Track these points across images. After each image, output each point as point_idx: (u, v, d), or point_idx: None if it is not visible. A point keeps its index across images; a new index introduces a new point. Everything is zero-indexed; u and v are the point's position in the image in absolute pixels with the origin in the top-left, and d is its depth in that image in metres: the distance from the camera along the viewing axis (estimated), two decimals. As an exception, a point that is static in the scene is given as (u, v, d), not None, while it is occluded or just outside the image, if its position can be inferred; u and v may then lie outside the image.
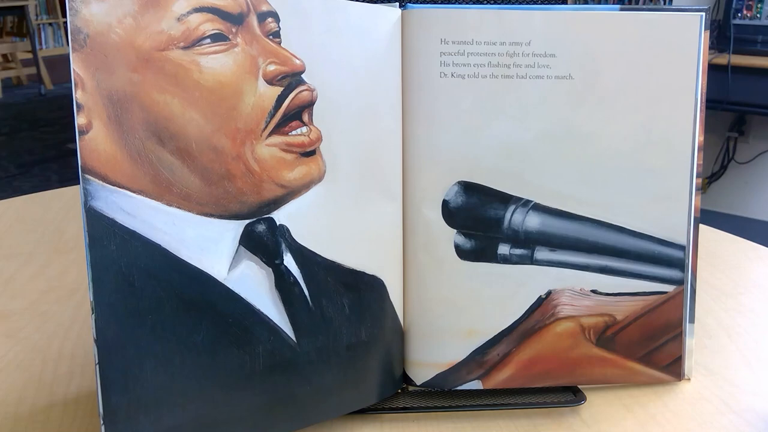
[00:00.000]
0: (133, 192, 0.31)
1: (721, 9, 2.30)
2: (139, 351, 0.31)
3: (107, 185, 0.30)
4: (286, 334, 0.35)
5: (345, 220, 0.37)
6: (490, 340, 0.41)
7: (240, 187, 0.33)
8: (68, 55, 0.30)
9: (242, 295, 0.34)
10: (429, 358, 0.41)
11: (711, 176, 2.64)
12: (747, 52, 2.15)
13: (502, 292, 0.40)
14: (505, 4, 0.40)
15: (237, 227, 0.34)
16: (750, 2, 2.24)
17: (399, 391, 0.42)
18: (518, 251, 0.40)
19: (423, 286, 0.40)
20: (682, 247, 0.41)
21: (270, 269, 0.35)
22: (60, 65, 5.07)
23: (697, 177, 0.41)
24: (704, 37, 0.40)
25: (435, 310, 0.40)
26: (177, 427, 0.33)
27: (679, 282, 0.42)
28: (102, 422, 0.31)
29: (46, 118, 4.11)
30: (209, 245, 0.33)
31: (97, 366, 0.30)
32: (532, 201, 0.40)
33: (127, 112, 0.30)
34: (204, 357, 0.33)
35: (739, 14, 2.25)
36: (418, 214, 0.40)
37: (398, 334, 0.41)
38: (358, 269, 0.38)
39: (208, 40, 0.32)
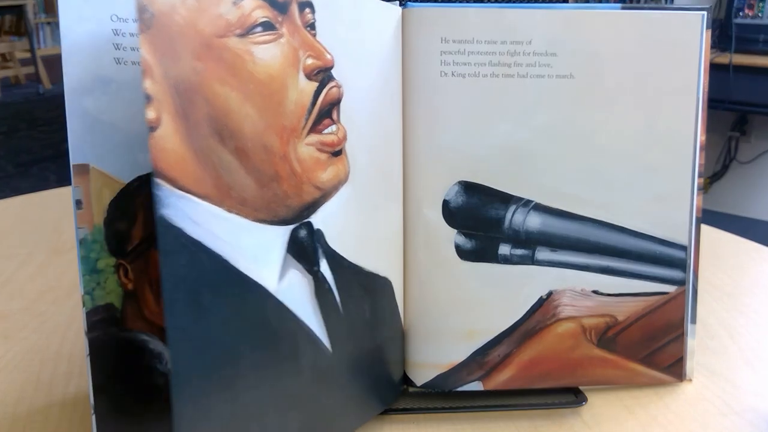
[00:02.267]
0: (199, 197, 0.27)
1: (722, 8, 2.29)
2: (208, 381, 0.28)
3: (177, 191, 0.26)
4: (323, 344, 0.34)
5: (363, 222, 0.36)
6: (490, 340, 0.41)
7: (285, 189, 0.31)
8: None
9: (290, 307, 0.32)
10: (429, 359, 0.41)
11: (713, 176, 2.64)
12: (749, 51, 2.15)
13: (502, 293, 0.40)
14: (506, 3, 0.40)
15: (285, 233, 0.31)
16: (752, 1, 2.23)
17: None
18: (519, 251, 0.40)
19: (423, 287, 0.40)
20: (683, 248, 0.41)
21: (311, 277, 0.33)
22: (58, 64, 5.06)
23: (698, 177, 0.41)
24: (706, 36, 0.39)
25: (435, 310, 0.40)
26: None
27: (681, 282, 0.41)
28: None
29: (44, 117, 4.10)
30: (262, 254, 0.30)
31: (173, 402, 0.26)
32: (533, 201, 0.40)
33: (193, 106, 0.27)
34: (261, 379, 0.30)
35: (741, 13, 2.24)
36: (418, 214, 0.40)
37: (401, 335, 0.40)
38: (374, 272, 0.37)
39: (260, 29, 0.30)
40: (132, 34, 0.32)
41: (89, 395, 0.32)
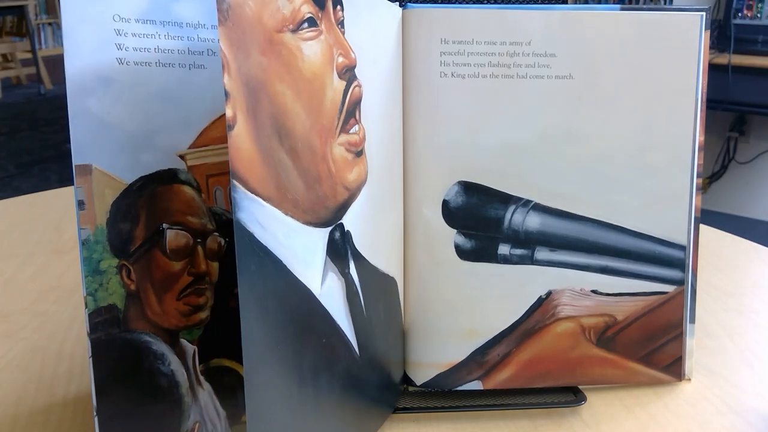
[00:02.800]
0: (264, 200, 0.26)
1: (721, 9, 2.30)
2: (272, 390, 0.27)
3: (249, 193, 0.25)
4: (353, 348, 0.33)
5: (378, 223, 0.36)
6: (490, 340, 0.41)
7: (325, 190, 0.30)
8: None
9: (330, 311, 0.30)
10: (429, 358, 0.41)
11: (711, 176, 2.64)
12: (747, 51, 2.15)
13: (502, 293, 0.40)
14: (506, 3, 0.40)
15: (325, 235, 0.30)
16: (750, 2, 2.23)
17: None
18: (518, 251, 0.40)
19: (423, 287, 0.40)
20: (682, 248, 0.41)
21: (343, 280, 0.32)
22: (60, 65, 5.06)
23: (697, 177, 0.41)
24: (705, 37, 0.40)
25: (435, 310, 0.40)
26: None
27: (680, 282, 0.42)
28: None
29: (45, 118, 4.10)
30: (309, 257, 0.29)
31: (248, 414, 0.25)
32: (532, 201, 0.40)
33: (260, 104, 0.26)
34: (308, 387, 0.29)
35: (740, 14, 2.24)
36: (418, 214, 0.40)
37: (402, 334, 0.41)
38: (386, 272, 0.37)
39: (306, 25, 0.28)
40: (135, 35, 0.32)
41: (92, 396, 0.32)
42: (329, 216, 0.31)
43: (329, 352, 0.31)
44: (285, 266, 0.27)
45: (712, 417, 0.40)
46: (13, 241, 0.66)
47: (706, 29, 0.40)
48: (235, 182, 0.24)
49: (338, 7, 0.31)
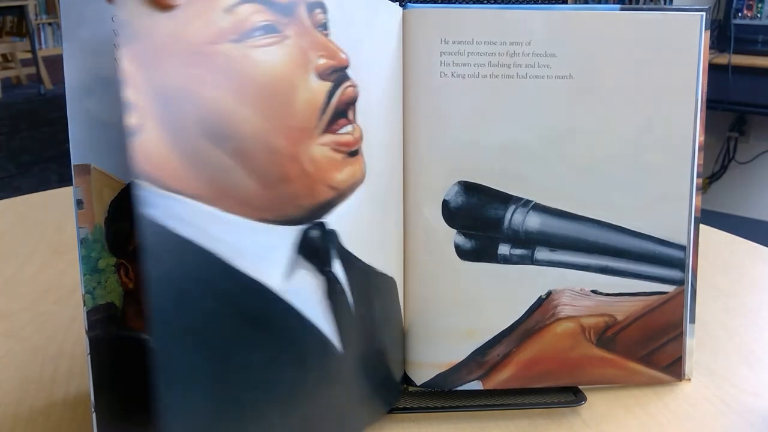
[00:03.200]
0: (189, 197, 0.28)
1: (721, 9, 2.30)
2: (195, 372, 0.28)
3: (162, 191, 0.27)
4: (333, 345, 0.34)
5: (378, 223, 0.36)
6: (490, 340, 0.41)
7: (296, 190, 0.31)
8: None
9: (298, 308, 0.32)
10: (429, 358, 0.41)
11: (711, 176, 2.64)
12: (747, 51, 2.15)
13: (502, 293, 0.40)
14: (506, 3, 0.40)
15: (293, 233, 0.32)
16: (750, 2, 2.23)
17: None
18: (518, 251, 0.40)
19: (423, 286, 0.40)
20: (682, 248, 0.41)
21: (323, 278, 0.33)
22: (60, 65, 5.06)
23: (697, 177, 0.41)
24: (705, 37, 0.40)
25: (435, 310, 0.40)
26: None
27: (680, 282, 0.42)
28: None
29: (45, 118, 4.10)
30: (267, 254, 0.31)
31: (158, 395, 0.27)
32: (532, 201, 0.40)
33: (180, 111, 0.28)
34: (259, 376, 0.31)
35: (740, 14, 2.25)
36: (418, 214, 0.40)
37: (401, 334, 0.41)
38: (383, 272, 0.37)
39: (260, 33, 0.30)
40: None
41: (90, 393, 0.32)
42: (302, 214, 0.32)
43: (294, 344, 0.32)
44: (222, 260, 0.29)
45: (712, 417, 0.40)
46: (13, 241, 0.66)
47: (706, 29, 0.40)
48: (140, 182, 0.26)
49: (317, 10, 0.32)
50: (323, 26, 0.32)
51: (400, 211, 0.40)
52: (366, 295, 0.36)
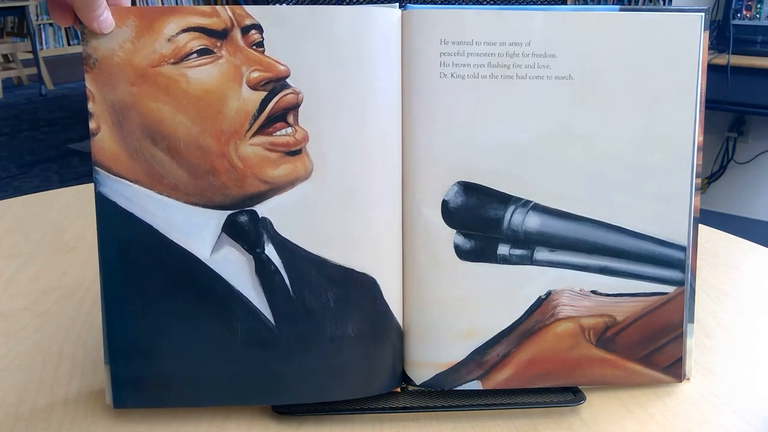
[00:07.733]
0: (131, 182, 0.38)
1: (720, 9, 2.30)
2: (134, 308, 0.38)
3: (111, 176, 0.38)
4: (265, 316, 0.39)
5: (333, 218, 0.39)
6: (489, 340, 0.41)
7: (224, 181, 0.38)
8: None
9: (223, 276, 0.39)
10: (428, 358, 0.41)
11: (710, 176, 2.64)
12: (746, 52, 2.15)
13: (501, 293, 0.40)
14: (505, 4, 0.40)
15: (220, 216, 0.38)
16: (749, 2, 2.23)
17: (398, 390, 0.42)
18: (518, 251, 0.40)
19: (422, 287, 0.40)
20: (682, 248, 0.41)
21: (251, 256, 0.39)
22: (60, 66, 5.06)
23: (696, 177, 0.41)
24: (704, 38, 0.40)
25: (434, 310, 0.40)
26: (166, 374, 0.39)
27: (680, 282, 0.42)
28: (106, 362, 0.39)
29: (46, 118, 4.11)
30: (195, 230, 0.38)
31: (104, 315, 0.38)
32: (531, 201, 0.40)
33: (127, 118, 0.37)
34: (187, 323, 0.39)
35: (739, 15, 2.25)
36: (417, 214, 0.40)
37: (395, 333, 0.41)
38: (346, 266, 0.39)
39: (195, 55, 0.37)
40: None
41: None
42: (229, 202, 0.38)
43: (218, 304, 0.39)
44: (155, 230, 0.38)
45: (711, 417, 0.40)
46: (14, 241, 0.66)
47: (705, 30, 0.40)
48: (97, 168, 0.38)
49: (252, 31, 0.37)
50: (258, 44, 0.37)
51: (389, 211, 0.40)
52: (311, 282, 0.39)
